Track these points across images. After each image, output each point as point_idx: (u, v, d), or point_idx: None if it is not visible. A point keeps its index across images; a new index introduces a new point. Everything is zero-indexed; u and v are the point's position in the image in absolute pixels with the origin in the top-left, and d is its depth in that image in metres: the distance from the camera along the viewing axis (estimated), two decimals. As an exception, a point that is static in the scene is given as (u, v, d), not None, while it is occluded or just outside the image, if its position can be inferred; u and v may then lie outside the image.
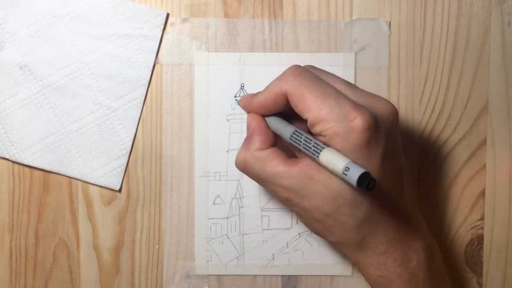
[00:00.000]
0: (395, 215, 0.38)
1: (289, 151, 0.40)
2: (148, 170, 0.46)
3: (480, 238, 0.47)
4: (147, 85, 0.46)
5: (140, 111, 0.46)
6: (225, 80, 0.46)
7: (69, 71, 0.45)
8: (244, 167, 0.39)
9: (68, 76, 0.45)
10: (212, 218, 0.46)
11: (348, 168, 0.34)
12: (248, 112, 0.41)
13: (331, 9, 0.46)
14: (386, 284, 0.38)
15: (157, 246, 0.46)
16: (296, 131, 0.38)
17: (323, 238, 0.40)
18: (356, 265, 0.40)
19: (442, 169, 0.46)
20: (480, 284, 0.47)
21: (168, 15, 0.45)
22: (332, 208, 0.37)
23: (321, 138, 0.37)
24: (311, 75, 0.38)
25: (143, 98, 0.46)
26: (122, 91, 0.45)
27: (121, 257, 0.46)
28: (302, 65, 0.39)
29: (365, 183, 0.33)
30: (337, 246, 0.40)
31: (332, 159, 0.35)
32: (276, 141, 0.40)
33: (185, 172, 0.46)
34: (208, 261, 0.46)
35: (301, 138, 0.38)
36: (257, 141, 0.39)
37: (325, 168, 0.36)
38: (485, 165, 0.46)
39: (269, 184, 0.39)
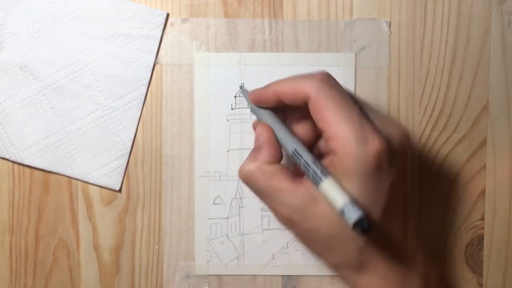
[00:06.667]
0: (395, 241, 0.38)
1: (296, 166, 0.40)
2: (148, 170, 0.46)
3: (480, 238, 0.47)
4: (147, 85, 0.46)
5: (140, 111, 0.46)
6: (225, 80, 0.46)
7: (69, 71, 0.45)
8: (248, 179, 0.38)
9: (68, 76, 0.45)
10: (212, 218, 0.46)
11: (345, 210, 0.34)
12: (250, 105, 0.41)
13: (331, 9, 0.46)
14: None
15: (157, 246, 0.46)
16: (295, 150, 0.38)
17: (322, 261, 0.39)
18: None
19: (442, 169, 0.46)
20: (480, 284, 0.47)
21: (168, 15, 0.46)
22: (335, 229, 0.36)
23: (330, 156, 0.36)
24: (340, 89, 0.37)
25: (143, 98, 0.46)
26: (122, 91, 0.45)
27: (121, 257, 0.46)
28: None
29: (361, 228, 0.33)
30: (337, 268, 0.39)
31: (330, 193, 0.35)
32: (283, 156, 0.39)
33: (185, 172, 0.46)
34: (208, 261, 0.46)
35: (300, 161, 0.37)
36: (265, 154, 0.38)
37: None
38: (485, 165, 0.46)
39: (272, 200, 0.38)
